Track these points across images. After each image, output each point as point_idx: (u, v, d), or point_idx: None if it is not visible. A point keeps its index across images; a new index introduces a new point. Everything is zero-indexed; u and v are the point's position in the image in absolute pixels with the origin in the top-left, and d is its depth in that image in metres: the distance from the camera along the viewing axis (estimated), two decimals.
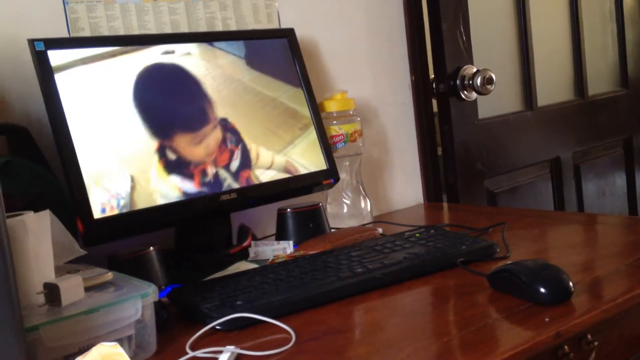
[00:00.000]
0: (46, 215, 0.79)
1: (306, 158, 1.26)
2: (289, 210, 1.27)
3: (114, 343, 0.65)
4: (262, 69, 1.25)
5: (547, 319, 0.78)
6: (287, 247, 1.19)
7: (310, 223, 1.27)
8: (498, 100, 1.85)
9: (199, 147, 1.14)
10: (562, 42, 2.12)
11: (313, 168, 1.26)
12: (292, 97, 1.28)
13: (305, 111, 1.28)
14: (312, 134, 1.28)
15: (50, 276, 0.78)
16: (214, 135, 1.16)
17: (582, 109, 2.12)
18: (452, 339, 0.77)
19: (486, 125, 1.80)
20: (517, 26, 1.95)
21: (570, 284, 0.83)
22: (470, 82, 1.69)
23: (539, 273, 0.84)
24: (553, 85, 2.07)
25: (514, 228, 1.22)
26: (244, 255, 1.19)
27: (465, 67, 1.70)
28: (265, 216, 1.35)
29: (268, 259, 1.15)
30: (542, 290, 0.82)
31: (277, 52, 1.30)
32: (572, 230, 1.25)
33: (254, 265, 1.11)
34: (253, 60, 1.25)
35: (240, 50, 1.24)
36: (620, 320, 0.88)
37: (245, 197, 1.18)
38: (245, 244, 1.20)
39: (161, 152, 1.09)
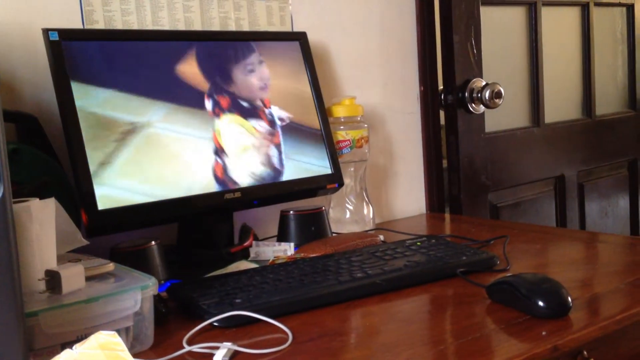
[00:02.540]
0: (51, 203, 0.79)
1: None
2: (291, 212, 1.27)
3: (112, 332, 0.65)
4: None
5: (544, 333, 0.78)
6: (288, 249, 1.19)
7: (312, 226, 1.27)
8: (505, 115, 1.85)
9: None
10: (572, 60, 2.13)
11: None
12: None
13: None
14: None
15: (52, 264, 0.78)
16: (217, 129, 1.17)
17: (589, 128, 2.13)
18: (449, 347, 0.77)
19: (492, 138, 1.80)
20: (528, 42, 1.96)
21: (569, 299, 0.83)
22: (479, 95, 1.69)
23: (538, 286, 0.84)
24: (561, 102, 2.08)
25: (516, 242, 1.22)
26: (244, 254, 1.20)
27: (474, 80, 1.71)
28: (267, 217, 1.35)
29: (268, 260, 1.16)
30: (541, 303, 0.82)
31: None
32: (573, 247, 1.25)
33: (254, 265, 1.12)
34: None
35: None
36: (617, 338, 0.87)
37: (249, 197, 1.18)
38: (246, 243, 1.20)
39: (168, 145, 1.10)
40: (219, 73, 1.19)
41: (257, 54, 1.25)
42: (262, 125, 1.22)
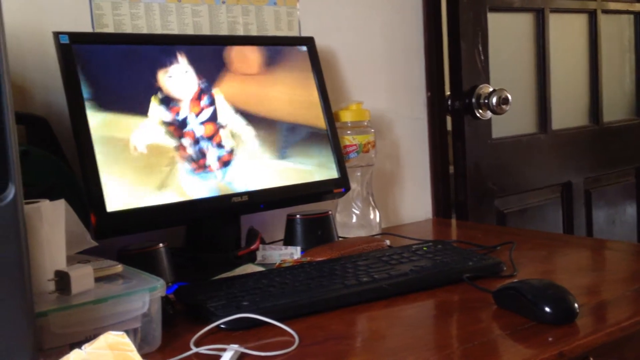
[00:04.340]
0: (61, 204, 0.80)
1: None
2: (298, 216, 1.28)
3: (121, 333, 0.65)
4: None
5: (550, 338, 0.78)
6: (294, 253, 1.20)
7: (318, 230, 1.27)
8: (512, 121, 1.86)
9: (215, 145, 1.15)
10: (580, 67, 2.13)
11: None
12: None
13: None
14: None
15: (62, 264, 0.79)
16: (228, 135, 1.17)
17: (597, 135, 2.13)
18: (454, 352, 0.77)
19: (499, 145, 1.80)
20: (535, 48, 1.96)
21: (576, 305, 0.83)
22: (486, 101, 1.70)
23: (544, 292, 0.84)
24: (568, 109, 2.08)
25: (522, 248, 1.22)
26: (251, 258, 1.20)
27: (481, 85, 1.71)
28: (274, 221, 1.36)
29: (275, 263, 1.16)
30: (547, 309, 0.82)
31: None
32: (580, 254, 1.25)
33: (261, 268, 1.12)
34: None
35: None
36: (623, 344, 0.88)
37: (256, 201, 1.18)
38: (253, 247, 1.21)
39: (177, 149, 1.11)
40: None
41: (266, 58, 1.26)
42: (267, 130, 1.23)
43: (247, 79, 1.23)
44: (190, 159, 1.12)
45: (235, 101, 1.20)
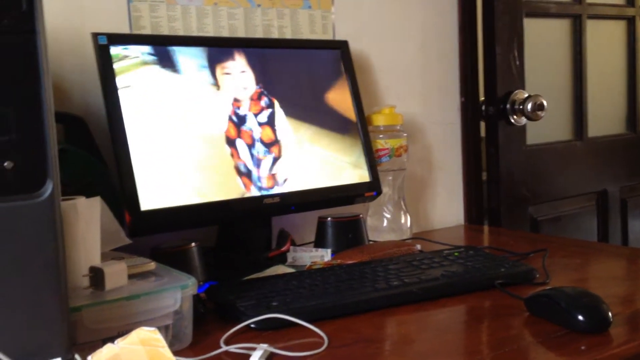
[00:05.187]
0: (97, 201, 0.81)
1: None
2: (329, 219, 1.28)
3: (153, 329, 0.66)
4: None
5: (583, 347, 0.77)
6: (325, 255, 1.20)
7: (349, 233, 1.27)
8: (547, 128, 1.83)
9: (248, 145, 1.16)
10: (617, 74, 2.10)
11: None
12: None
13: None
14: None
15: (96, 260, 0.80)
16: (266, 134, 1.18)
17: (634, 143, 2.09)
18: (484, 359, 0.77)
19: (534, 151, 1.78)
20: (572, 55, 1.94)
21: (610, 314, 0.82)
22: (521, 107, 1.68)
23: (578, 300, 0.83)
24: (605, 116, 2.05)
25: (555, 256, 1.20)
26: (281, 259, 1.21)
27: (516, 91, 1.69)
28: (305, 223, 1.36)
29: (305, 265, 1.16)
30: (581, 317, 0.81)
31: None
32: (614, 262, 1.22)
33: (291, 270, 1.13)
34: None
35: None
36: None
37: (287, 203, 1.19)
38: (284, 248, 1.21)
39: (212, 150, 1.12)
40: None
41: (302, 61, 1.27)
42: (304, 131, 1.24)
43: (286, 81, 1.24)
44: (241, 163, 1.13)
45: (282, 105, 1.21)
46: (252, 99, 1.18)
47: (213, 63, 1.16)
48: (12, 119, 0.58)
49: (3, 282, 0.60)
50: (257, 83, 1.20)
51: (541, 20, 1.85)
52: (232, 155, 1.14)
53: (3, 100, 0.58)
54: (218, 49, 1.17)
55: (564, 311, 0.82)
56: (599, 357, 0.75)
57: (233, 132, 1.15)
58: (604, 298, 0.85)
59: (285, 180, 1.19)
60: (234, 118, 1.15)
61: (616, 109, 2.10)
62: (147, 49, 1.10)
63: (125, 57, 1.07)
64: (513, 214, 1.73)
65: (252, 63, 1.20)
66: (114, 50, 1.06)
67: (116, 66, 1.06)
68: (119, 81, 1.05)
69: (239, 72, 1.18)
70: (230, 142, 1.14)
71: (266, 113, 1.19)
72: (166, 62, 1.11)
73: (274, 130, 1.20)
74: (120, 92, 1.05)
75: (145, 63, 1.09)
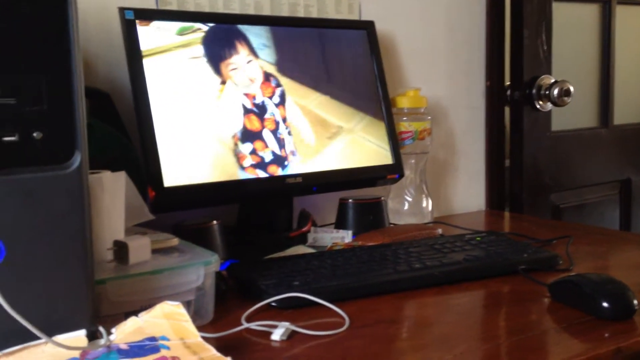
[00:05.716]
0: (122, 176, 0.82)
1: None
2: (350, 200, 1.28)
3: (177, 303, 0.67)
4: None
5: (607, 334, 0.77)
6: (345, 237, 1.20)
7: (370, 215, 1.27)
8: (573, 114, 1.81)
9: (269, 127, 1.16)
10: None
11: None
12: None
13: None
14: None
15: (120, 235, 0.81)
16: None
17: None
18: (504, 343, 0.76)
19: (559, 138, 1.76)
20: (600, 41, 1.90)
21: (635, 301, 0.81)
22: (547, 92, 1.66)
23: (603, 287, 0.82)
24: (631, 104, 2.01)
25: (579, 243, 1.19)
26: (302, 239, 1.21)
27: (543, 76, 1.67)
28: (326, 204, 1.36)
29: (326, 246, 1.16)
30: (605, 304, 0.80)
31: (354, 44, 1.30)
32: (639, 251, 1.21)
33: (312, 250, 1.13)
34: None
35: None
36: None
37: (309, 183, 1.19)
38: (305, 228, 1.21)
39: (236, 129, 1.12)
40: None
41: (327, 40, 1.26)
42: (327, 111, 1.23)
43: (308, 61, 1.23)
44: (245, 139, 1.13)
45: (297, 84, 1.20)
46: (262, 82, 1.17)
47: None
48: (43, 89, 0.58)
49: (30, 252, 0.61)
50: (276, 63, 1.19)
51: (570, 5, 1.82)
52: (254, 150, 1.13)
53: (34, 70, 0.58)
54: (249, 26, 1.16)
55: (589, 297, 0.81)
56: (623, 344, 0.74)
57: (257, 125, 1.14)
58: (629, 286, 0.84)
59: (307, 160, 1.18)
60: (255, 109, 1.14)
61: None
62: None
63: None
64: (535, 201, 1.71)
65: (277, 41, 1.19)
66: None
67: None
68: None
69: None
70: (256, 136, 1.14)
71: (278, 92, 1.18)
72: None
73: (284, 108, 1.19)
74: (145, 69, 1.05)
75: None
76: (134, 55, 1.05)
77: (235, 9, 1.27)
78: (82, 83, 0.61)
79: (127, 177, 0.85)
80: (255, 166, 1.13)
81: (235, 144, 1.11)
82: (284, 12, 1.33)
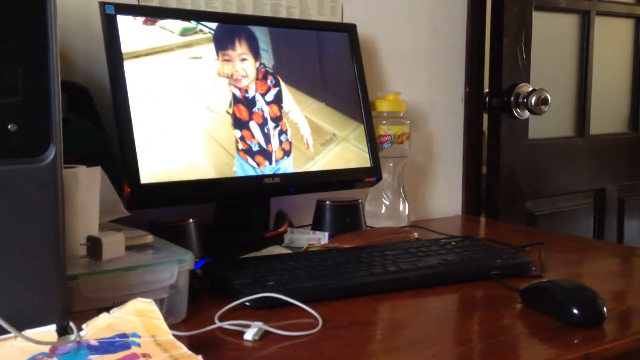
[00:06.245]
0: (97, 171, 0.81)
1: None
2: (328, 202, 1.28)
3: (149, 300, 0.66)
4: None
5: (576, 341, 0.77)
6: (322, 238, 1.20)
7: (347, 218, 1.27)
8: (550, 123, 1.83)
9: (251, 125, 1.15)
10: (623, 73, 2.09)
11: None
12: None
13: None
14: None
15: (94, 230, 0.80)
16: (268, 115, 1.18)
17: (634, 143, 2.09)
18: (476, 347, 0.77)
19: (535, 145, 1.78)
20: (578, 51, 1.93)
21: (605, 309, 0.82)
22: (525, 100, 1.68)
23: (574, 294, 0.83)
24: (607, 115, 2.04)
25: (552, 250, 1.20)
26: (278, 240, 1.21)
27: (521, 84, 1.69)
28: (303, 205, 1.36)
29: (302, 247, 1.16)
30: (575, 311, 0.81)
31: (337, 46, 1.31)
32: (610, 259, 1.23)
33: (288, 251, 1.13)
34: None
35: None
36: None
37: (287, 184, 1.19)
38: (281, 229, 1.21)
39: (218, 126, 1.11)
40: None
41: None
42: (308, 111, 1.23)
43: (292, 63, 1.23)
44: (255, 142, 1.13)
45: (288, 84, 1.21)
46: (257, 79, 1.17)
47: (221, 40, 1.15)
48: (19, 81, 0.58)
49: (1, 245, 0.60)
50: (262, 62, 1.19)
51: (550, 14, 1.84)
52: (243, 137, 1.13)
53: (10, 61, 0.57)
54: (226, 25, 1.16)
55: (559, 304, 0.82)
56: (592, 351, 0.75)
57: (245, 115, 1.14)
58: (599, 293, 0.85)
59: (289, 154, 1.19)
60: (244, 101, 1.15)
61: (619, 107, 2.10)
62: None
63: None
64: (511, 208, 1.73)
65: (261, 41, 1.19)
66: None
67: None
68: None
69: (239, 60, 1.17)
70: (243, 124, 1.14)
71: (273, 92, 1.19)
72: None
73: (280, 108, 1.19)
74: (125, 64, 1.04)
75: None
76: (114, 50, 1.04)
77: (218, 7, 1.27)
78: (58, 76, 0.60)
79: (103, 172, 0.84)
80: (245, 152, 1.13)
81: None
82: (266, 12, 1.33)
